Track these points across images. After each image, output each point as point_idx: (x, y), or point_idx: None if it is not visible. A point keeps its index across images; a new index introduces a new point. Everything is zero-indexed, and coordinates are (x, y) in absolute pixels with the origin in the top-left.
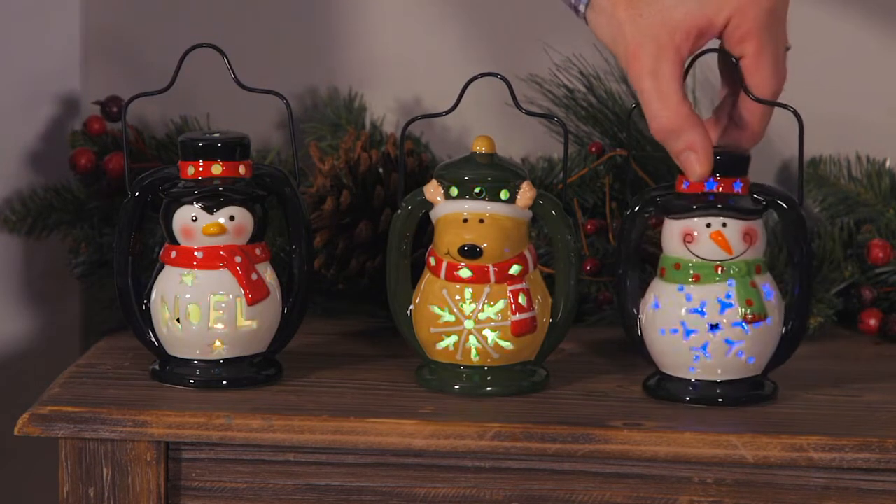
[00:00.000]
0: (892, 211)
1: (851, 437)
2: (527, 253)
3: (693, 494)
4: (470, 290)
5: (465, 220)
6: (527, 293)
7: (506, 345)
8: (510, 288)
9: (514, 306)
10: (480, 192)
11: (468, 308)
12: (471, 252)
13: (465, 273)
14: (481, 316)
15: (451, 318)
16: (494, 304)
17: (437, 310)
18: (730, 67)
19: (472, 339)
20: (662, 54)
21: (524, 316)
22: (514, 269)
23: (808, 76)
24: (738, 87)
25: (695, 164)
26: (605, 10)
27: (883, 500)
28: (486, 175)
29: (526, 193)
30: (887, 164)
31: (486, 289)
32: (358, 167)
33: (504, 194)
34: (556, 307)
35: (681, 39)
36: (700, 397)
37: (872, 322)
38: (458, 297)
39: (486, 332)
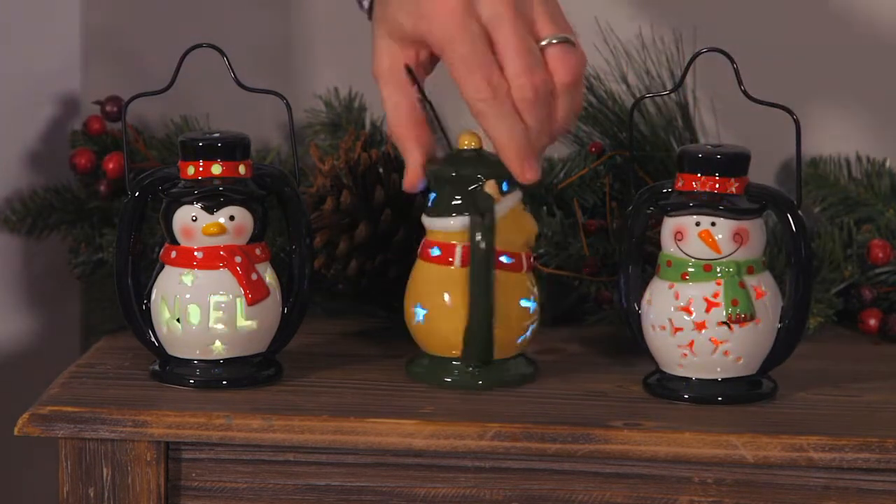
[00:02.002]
0: (892, 211)
1: (851, 437)
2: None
3: (693, 494)
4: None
5: None
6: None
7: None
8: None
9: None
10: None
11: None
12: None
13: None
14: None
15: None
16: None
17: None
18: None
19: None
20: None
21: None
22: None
23: (808, 76)
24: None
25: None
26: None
27: (883, 500)
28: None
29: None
30: (887, 164)
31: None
32: (358, 167)
33: None
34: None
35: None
36: (699, 396)
37: (872, 322)
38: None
39: None
